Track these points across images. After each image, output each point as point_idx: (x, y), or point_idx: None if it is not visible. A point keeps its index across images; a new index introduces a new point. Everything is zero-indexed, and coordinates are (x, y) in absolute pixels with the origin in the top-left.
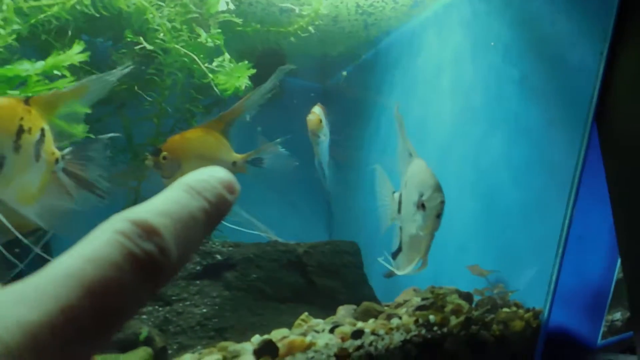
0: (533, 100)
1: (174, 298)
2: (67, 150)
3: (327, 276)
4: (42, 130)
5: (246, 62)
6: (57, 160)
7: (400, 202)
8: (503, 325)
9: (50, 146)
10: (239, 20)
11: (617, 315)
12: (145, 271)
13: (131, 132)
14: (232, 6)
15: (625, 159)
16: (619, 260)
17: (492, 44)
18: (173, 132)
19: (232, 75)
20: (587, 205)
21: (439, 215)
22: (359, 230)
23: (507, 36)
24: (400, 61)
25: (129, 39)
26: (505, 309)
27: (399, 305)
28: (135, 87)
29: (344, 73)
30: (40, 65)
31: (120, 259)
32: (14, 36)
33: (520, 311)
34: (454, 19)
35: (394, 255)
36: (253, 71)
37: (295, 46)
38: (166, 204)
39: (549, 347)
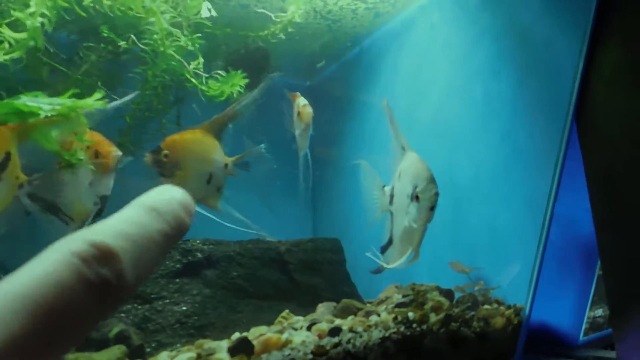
0: (513, 99)
1: (153, 296)
2: (36, 175)
3: (309, 274)
4: (7, 154)
5: (239, 71)
6: (21, 185)
7: (392, 195)
8: (484, 322)
9: (15, 170)
10: (209, 23)
11: (599, 312)
12: (100, 296)
13: None
14: (214, 13)
15: (604, 157)
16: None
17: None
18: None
19: (225, 82)
20: (569, 202)
21: (432, 207)
22: (342, 227)
23: (486, 36)
24: (384, 59)
25: (105, 34)
26: (487, 306)
27: (381, 302)
28: (99, 83)
29: (321, 63)
30: (58, 106)
31: (74, 282)
32: None
33: (502, 308)
34: (434, 18)
35: (384, 249)
36: (246, 80)
37: (278, 44)
38: (127, 225)
39: (530, 343)
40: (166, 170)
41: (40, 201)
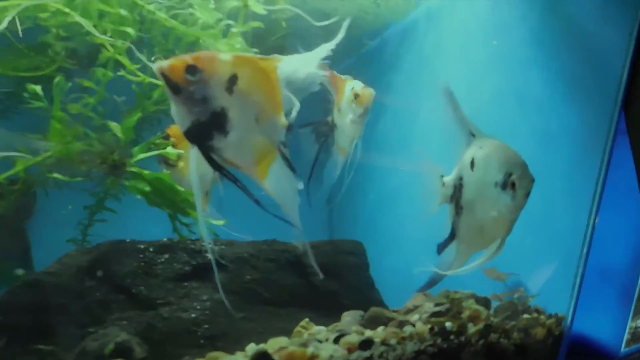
0: (555, 89)
1: (159, 302)
2: None
3: (330, 278)
4: None
5: None
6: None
7: (459, 186)
8: (524, 333)
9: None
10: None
11: None
12: None
13: None
14: None
15: None
16: None
17: (495, 42)
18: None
19: None
20: (613, 202)
21: (528, 194)
22: (361, 228)
23: (532, 18)
24: (413, 46)
25: None
26: (526, 315)
27: (409, 311)
28: None
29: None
30: None
31: None
32: None
33: (542, 317)
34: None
35: (442, 246)
36: None
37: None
38: None
39: (570, 356)
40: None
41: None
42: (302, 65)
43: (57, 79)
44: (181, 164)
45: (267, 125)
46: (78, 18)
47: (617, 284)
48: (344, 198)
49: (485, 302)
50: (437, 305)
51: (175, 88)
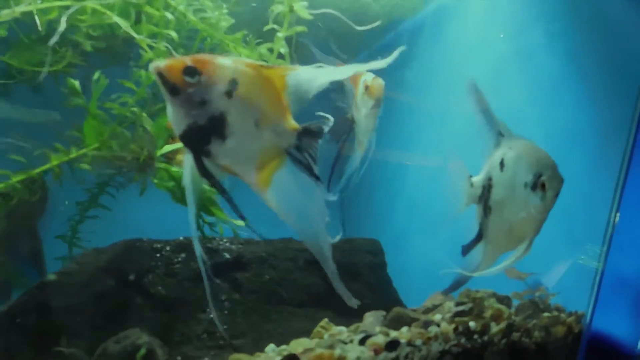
0: (578, 87)
1: (177, 302)
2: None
3: (347, 278)
4: None
5: None
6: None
7: (489, 186)
8: (544, 332)
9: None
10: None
11: None
12: None
13: None
14: None
15: None
16: None
17: (502, 35)
18: None
19: None
20: (634, 200)
21: (557, 195)
22: (377, 226)
23: (551, 15)
24: (425, 42)
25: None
26: (547, 314)
27: (429, 310)
28: None
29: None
30: None
31: None
32: None
33: (563, 315)
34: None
35: (468, 247)
36: None
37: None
38: None
39: (589, 353)
40: None
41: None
42: (320, 77)
43: (96, 76)
44: (179, 157)
45: (270, 130)
46: (117, 19)
47: (636, 281)
48: (360, 195)
49: (506, 301)
50: (459, 304)
51: (173, 89)
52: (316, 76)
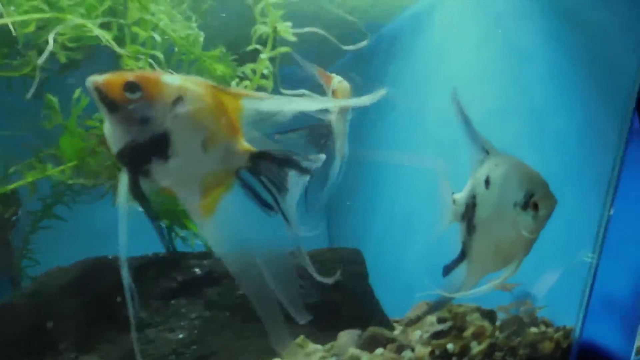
0: (571, 88)
1: (144, 322)
2: None
3: (328, 289)
4: None
5: None
6: None
7: (472, 204)
8: (530, 349)
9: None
10: None
11: None
12: None
13: None
14: None
15: None
16: None
17: (500, 31)
18: None
19: None
20: (626, 208)
21: (550, 215)
22: (360, 234)
23: (544, 18)
24: (410, 46)
25: None
26: (534, 329)
27: (411, 322)
28: None
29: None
30: None
31: None
32: None
33: (550, 330)
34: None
35: (450, 267)
36: None
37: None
38: None
39: None
40: None
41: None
42: (285, 107)
43: (76, 94)
44: None
45: (218, 151)
46: (98, 32)
47: (627, 292)
48: (342, 203)
49: (490, 316)
50: (439, 321)
51: (111, 105)
52: (280, 107)
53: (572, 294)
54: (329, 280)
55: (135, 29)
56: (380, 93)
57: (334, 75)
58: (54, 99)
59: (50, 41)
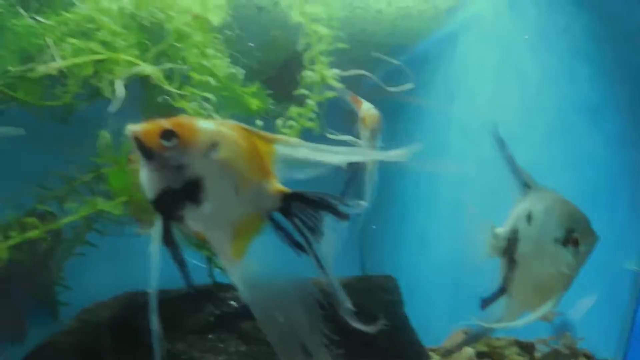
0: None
1: (183, 357)
2: None
3: (362, 320)
4: None
5: None
6: None
7: (514, 239)
8: None
9: None
10: None
11: None
12: None
13: None
14: None
15: None
16: None
17: (526, 36)
18: None
19: None
20: None
21: (590, 251)
22: (393, 258)
23: (576, 28)
24: (447, 59)
25: None
26: None
27: (447, 353)
28: None
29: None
30: None
31: None
32: None
33: None
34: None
35: (489, 300)
36: None
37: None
38: None
39: None
40: None
41: None
42: (317, 156)
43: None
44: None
45: (250, 193)
46: (149, 69)
47: None
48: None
49: (529, 349)
50: (478, 355)
51: (148, 153)
52: (313, 157)
53: (613, 324)
54: (370, 329)
55: (192, 73)
56: (416, 147)
57: (363, 101)
58: (107, 135)
59: (121, 89)
